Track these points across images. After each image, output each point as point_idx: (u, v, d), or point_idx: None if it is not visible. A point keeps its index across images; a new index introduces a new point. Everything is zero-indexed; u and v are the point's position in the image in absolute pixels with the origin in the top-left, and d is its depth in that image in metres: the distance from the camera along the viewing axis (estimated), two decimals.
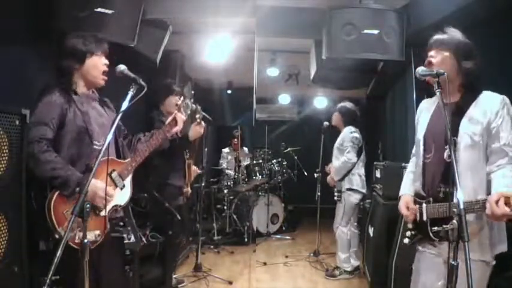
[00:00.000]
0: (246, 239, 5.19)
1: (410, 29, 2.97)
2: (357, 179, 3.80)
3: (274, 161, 6.07)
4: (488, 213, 1.50)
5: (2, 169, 1.64)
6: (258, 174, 5.66)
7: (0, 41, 2.17)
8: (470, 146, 1.65)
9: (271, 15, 3.32)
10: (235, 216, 5.42)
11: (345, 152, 3.78)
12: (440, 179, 1.71)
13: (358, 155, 3.83)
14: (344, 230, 3.82)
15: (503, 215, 1.45)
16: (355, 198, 3.79)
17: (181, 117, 2.25)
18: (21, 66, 2.34)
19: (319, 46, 3.22)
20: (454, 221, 1.37)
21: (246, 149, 6.16)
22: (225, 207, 5.45)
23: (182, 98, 2.44)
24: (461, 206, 1.36)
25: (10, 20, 2.26)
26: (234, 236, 5.34)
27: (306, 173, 6.19)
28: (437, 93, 1.55)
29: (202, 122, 2.76)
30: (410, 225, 1.85)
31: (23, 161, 1.74)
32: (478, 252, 1.61)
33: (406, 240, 1.86)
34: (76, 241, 1.70)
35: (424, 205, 1.75)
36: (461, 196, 1.38)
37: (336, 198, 3.88)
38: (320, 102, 6.83)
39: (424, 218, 1.73)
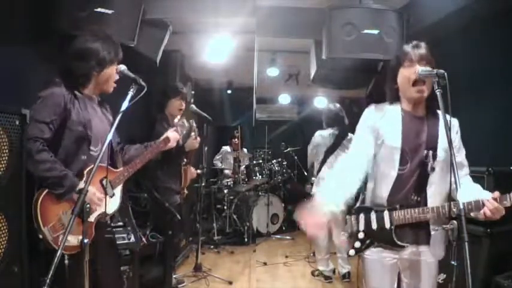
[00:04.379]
0: (246, 239, 5.19)
1: (410, 29, 2.97)
2: None
3: (274, 161, 6.06)
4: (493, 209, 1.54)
5: (2, 169, 1.64)
6: (258, 174, 5.66)
7: (0, 41, 2.17)
8: (443, 159, 1.71)
9: (271, 15, 3.32)
10: (235, 216, 5.42)
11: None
12: (413, 190, 1.73)
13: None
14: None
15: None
16: None
17: (174, 135, 2.30)
18: (21, 66, 2.34)
19: (319, 46, 3.22)
20: (454, 221, 1.38)
21: (245, 150, 6.16)
22: (225, 207, 5.45)
23: (179, 117, 2.51)
24: (461, 206, 1.37)
25: (10, 20, 2.25)
26: (234, 236, 5.34)
27: (306, 173, 6.19)
28: (438, 94, 1.55)
29: (198, 138, 2.94)
30: (361, 235, 1.79)
31: (23, 161, 1.74)
32: (442, 253, 1.74)
33: (352, 252, 1.80)
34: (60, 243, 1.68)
35: (386, 212, 1.73)
36: (461, 196, 1.38)
37: None
38: (320, 102, 6.82)
39: (387, 225, 1.72)
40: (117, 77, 1.96)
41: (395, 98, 1.84)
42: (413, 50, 1.72)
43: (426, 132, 1.76)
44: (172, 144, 2.30)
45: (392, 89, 1.82)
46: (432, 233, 1.70)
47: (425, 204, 1.71)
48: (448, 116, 1.53)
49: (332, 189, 1.78)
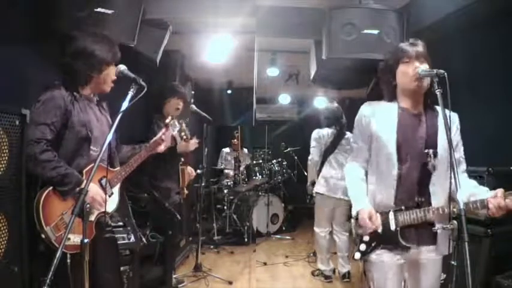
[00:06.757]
0: (246, 239, 5.19)
1: (410, 29, 2.97)
2: None
3: (274, 161, 6.06)
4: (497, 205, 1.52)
5: (2, 169, 1.64)
6: (258, 174, 5.66)
7: (0, 41, 2.17)
8: (445, 157, 1.69)
9: (271, 15, 3.31)
10: (235, 216, 5.42)
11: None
12: (417, 190, 1.72)
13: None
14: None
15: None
16: None
17: (167, 136, 2.27)
18: (21, 66, 2.34)
19: (319, 46, 3.21)
20: (454, 221, 1.38)
21: (245, 150, 6.16)
22: (225, 207, 5.45)
23: (170, 118, 2.46)
24: (462, 206, 1.37)
25: (10, 20, 2.25)
26: (234, 236, 5.34)
27: (306, 173, 6.19)
28: (438, 94, 1.55)
29: (193, 140, 2.87)
30: (366, 238, 1.79)
31: (23, 161, 1.74)
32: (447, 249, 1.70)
33: (357, 255, 1.80)
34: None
35: (391, 213, 1.73)
36: (461, 197, 1.38)
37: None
38: (320, 102, 6.81)
39: (393, 227, 1.72)
40: (114, 77, 1.97)
41: (393, 96, 1.83)
42: (411, 48, 1.73)
43: (425, 129, 1.74)
44: (166, 144, 2.26)
45: (390, 86, 1.81)
46: (439, 231, 1.67)
47: (429, 204, 1.69)
48: (447, 112, 1.52)
49: (356, 193, 1.83)
